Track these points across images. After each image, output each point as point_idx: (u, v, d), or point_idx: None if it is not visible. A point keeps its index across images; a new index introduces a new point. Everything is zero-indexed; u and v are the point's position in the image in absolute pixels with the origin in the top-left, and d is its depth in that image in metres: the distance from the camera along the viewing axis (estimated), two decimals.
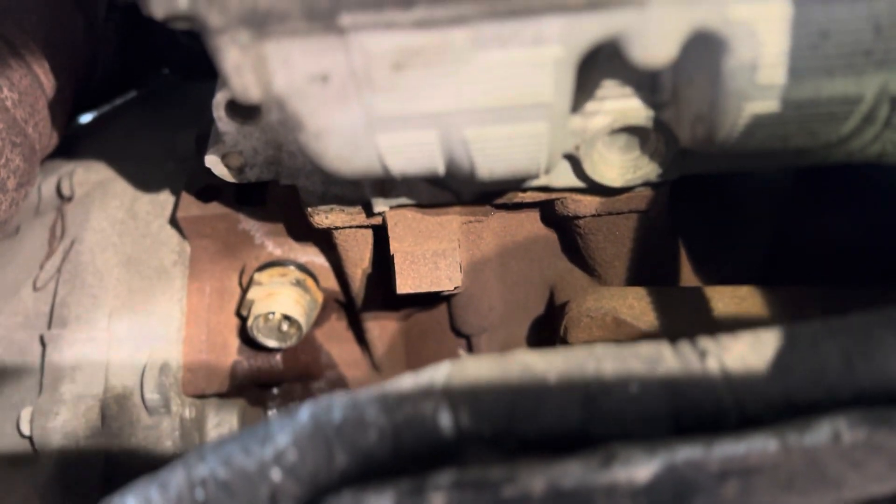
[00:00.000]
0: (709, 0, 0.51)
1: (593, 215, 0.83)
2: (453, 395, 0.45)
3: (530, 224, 0.92)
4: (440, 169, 0.64)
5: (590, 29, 0.52)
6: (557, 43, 0.53)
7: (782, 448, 0.37)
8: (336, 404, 0.48)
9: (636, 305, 0.83)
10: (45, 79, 0.97)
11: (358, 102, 0.56)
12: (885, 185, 0.89)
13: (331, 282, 1.02)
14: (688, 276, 0.94)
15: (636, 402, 0.41)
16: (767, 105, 0.58)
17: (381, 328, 1.06)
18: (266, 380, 1.04)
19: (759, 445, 0.37)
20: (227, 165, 0.81)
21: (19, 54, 0.92)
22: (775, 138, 0.63)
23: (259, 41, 0.52)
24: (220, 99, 0.74)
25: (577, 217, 0.84)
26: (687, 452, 0.38)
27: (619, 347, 0.44)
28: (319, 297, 1.00)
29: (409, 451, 0.46)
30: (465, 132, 0.59)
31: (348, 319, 1.09)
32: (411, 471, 0.45)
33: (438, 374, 0.47)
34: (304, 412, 0.49)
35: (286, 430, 0.48)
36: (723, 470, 0.38)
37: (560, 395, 0.43)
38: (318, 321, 1.07)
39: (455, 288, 0.86)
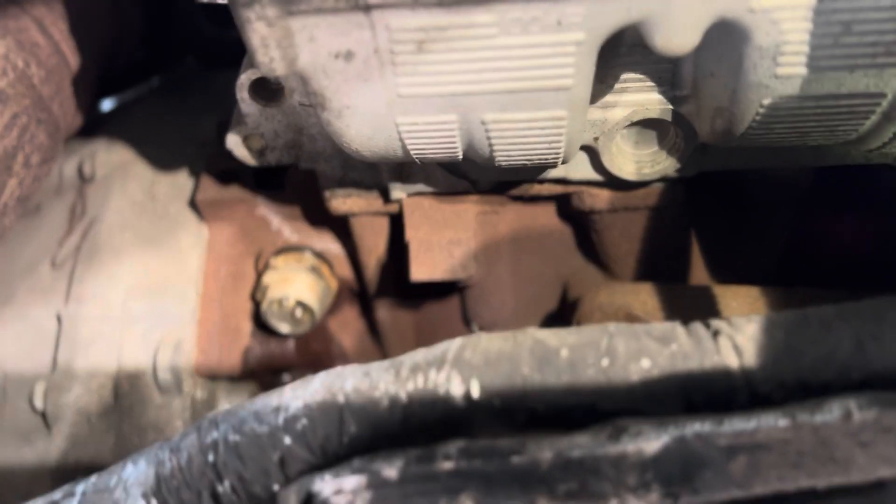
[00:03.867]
0: None
1: (609, 210, 0.84)
2: (465, 367, 0.46)
3: (545, 218, 0.92)
4: (459, 152, 0.65)
5: (613, 14, 0.53)
6: (580, 27, 0.53)
7: (792, 426, 0.37)
8: (348, 374, 0.48)
9: (649, 301, 0.83)
10: (72, 59, 0.98)
11: (380, 81, 0.57)
12: None
13: (345, 270, 1.02)
14: (701, 274, 0.94)
15: (647, 378, 0.42)
16: (787, 98, 0.58)
17: (394, 319, 1.06)
18: (277, 365, 1.04)
19: (769, 422, 0.38)
20: (247, 147, 0.81)
21: (48, 33, 0.93)
22: (794, 133, 0.63)
23: (286, 17, 0.53)
24: (244, 79, 0.75)
25: (593, 211, 0.84)
26: (696, 427, 0.38)
27: (631, 326, 0.44)
28: (334, 284, 1.01)
29: (419, 421, 0.46)
30: (485, 115, 0.60)
31: (361, 309, 1.10)
32: (421, 440, 0.45)
33: (451, 346, 0.47)
34: (317, 381, 0.49)
35: (298, 397, 0.48)
36: (731, 445, 0.38)
37: (571, 369, 0.43)
38: (332, 310, 1.07)
39: (468, 278, 0.87)
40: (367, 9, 0.52)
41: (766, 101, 0.59)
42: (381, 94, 0.58)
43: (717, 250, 0.92)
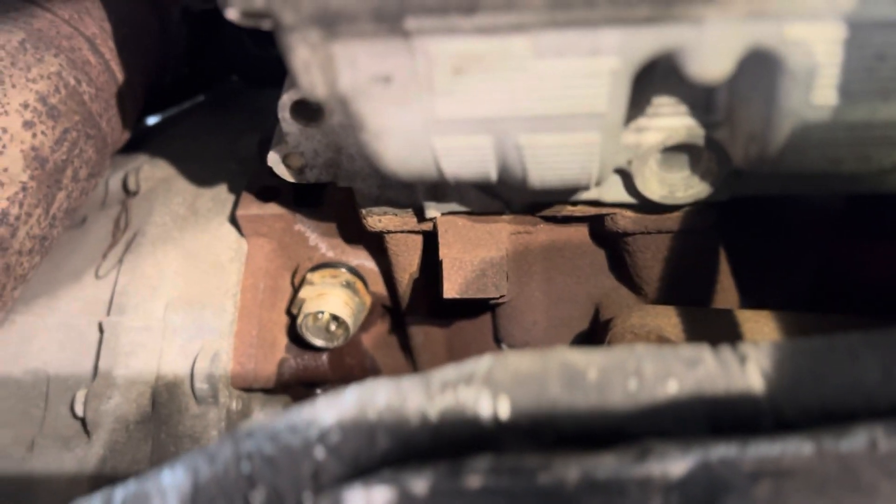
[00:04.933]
0: (766, 19, 0.52)
1: (642, 232, 0.84)
2: (494, 386, 0.47)
3: (578, 239, 0.93)
4: (493, 174, 0.66)
5: (647, 42, 0.54)
6: (615, 54, 0.54)
7: (817, 452, 0.38)
8: (380, 388, 0.50)
9: (680, 324, 0.83)
10: (120, 77, 1.01)
11: (418, 104, 0.59)
12: None
13: (379, 286, 1.04)
14: (732, 299, 0.93)
15: (674, 401, 0.42)
16: (821, 125, 0.59)
17: (426, 335, 1.07)
18: (311, 379, 1.06)
19: (794, 448, 0.38)
20: (287, 165, 0.84)
21: (99, 52, 0.97)
22: (828, 160, 0.64)
23: (328, 41, 0.55)
24: (286, 100, 0.77)
25: (626, 233, 0.85)
26: (721, 451, 0.39)
27: (659, 348, 0.45)
28: (368, 300, 1.02)
29: (448, 437, 0.47)
30: (519, 138, 0.61)
31: (393, 326, 1.11)
32: (450, 456, 0.46)
33: (480, 365, 0.48)
34: (350, 395, 0.50)
35: (332, 410, 0.50)
36: (756, 470, 0.38)
37: (599, 390, 0.44)
38: (365, 326, 1.09)
39: (500, 297, 0.88)
40: (407, 34, 0.54)
41: (800, 129, 0.60)
42: (419, 116, 0.60)
43: (749, 275, 0.92)
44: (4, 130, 0.84)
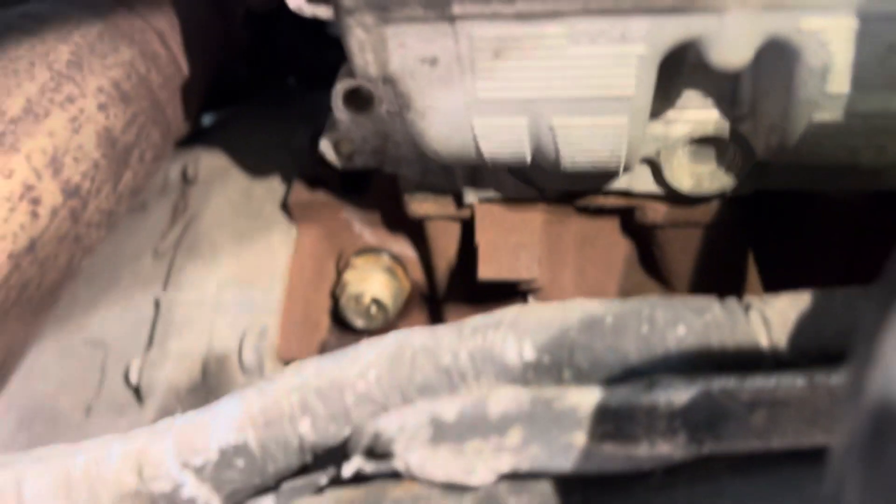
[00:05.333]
0: (782, 10, 0.57)
1: (670, 225, 0.88)
2: (519, 330, 0.51)
3: (609, 232, 0.97)
4: (527, 155, 0.71)
5: (672, 30, 0.59)
6: (642, 41, 0.59)
7: (809, 385, 0.42)
8: (417, 332, 0.55)
9: None
10: (186, 70, 1.09)
11: (461, 85, 0.64)
12: None
13: (418, 274, 1.09)
14: (759, 293, 0.96)
15: (682, 341, 0.47)
16: (836, 115, 0.63)
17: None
18: None
19: (788, 381, 0.42)
20: (338, 151, 0.90)
21: (167, 45, 1.05)
22: (845, 150, 0.67)
23: (381, 24, 0.61)
24: (339, 89, 0.83)
25: (655, 226, 0.89)
26: (722, 382, 0.43)
27: (671, 298, 0.49)
28: (407, 285, 1.08)
29: (477, 374, 0.52)
30: (552, 120, 0.66)
31: (431, 314, 1.16)
32: (477, 390, 0.51)
33: (507, 313, 0.53)
34: (390, 337, 0.56)
35: (373, 349, 0.55)
36: (753, 400, 0.42)
37: (614, 333, 0.49)
38: (403, 313, 1.14)
39: (532, 283, 0.92)
40: (452, 19, 0.60)
41: (816, 118, 0.64)
42: (461, 96, 0.65)
43: (775, 269, 0.95)
44: (81, 111, 0.91)
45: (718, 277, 0.95)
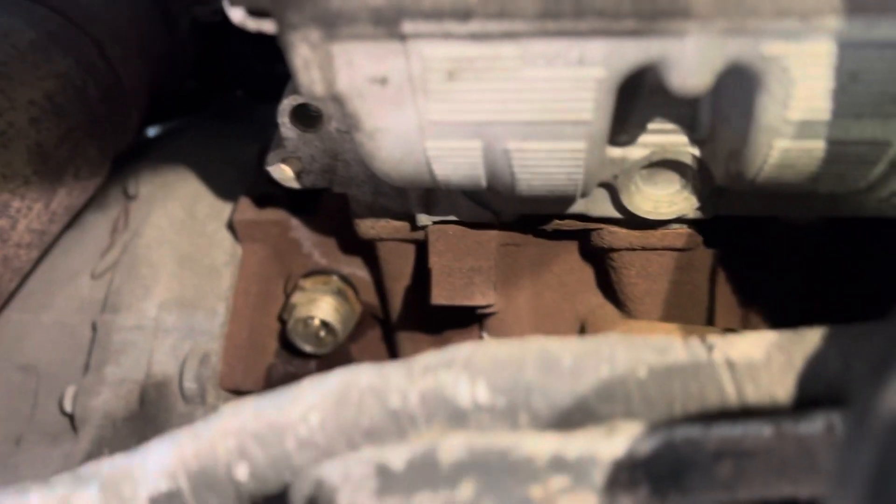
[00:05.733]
0: (745, 35, 0.55)
1: (627, 249, 0.86)
2: (472, 370, 0.48)
3: (566, 255, 0.95)
4: (482, 180, 0.68)
5: (632, 53, 0.56)
6: (600, 64, 0.57)
7: (776, 434, 0.39)
8: (364, 371, 0.51)
9: None
10: (127, 82, 1.04)
11: (412, 106, 0.61)
12: None
13: (370, 296, 1.06)
14: (722, 317, 0.95)
15: (643, 386, 0.44)
16: (796, 143, 0.61)
17: (415, 346, 1.09)
18: None
19: (755, 430, 0.40)
20: (285, 170, 0.86)
21: (106, 55, 1.00)
22: (804, 178, 0.66)
23: (328, 41, 0.58)
24: (286, 105, 0.80)
25: (612, 249, 0.87)
26: (686, 431, 0.41)
27: (632, 338, 0.47)
28: (357, 308, 1.04)
29: (427, 418, 0.49)
30: (508, 144, 0.63)
31: (383, 335, 1.13)
32: (429, 436, 0.48)
33: (461, 351, 0.50)
34: (334, 377, 0.52)
35: (316, 390, 0.51)
36: (719, 450, 0.40)
37: (573, 375, 0.46)
38: (354, 336, 1.11)
39: (488, 307, 0.90)
40: (403, 38, 0.57)
41: (777, 145, 0.62)
42: (412, 118, 0.62)
43: (737, 294, 0.94)
44: (11, 125, 0.86)
45: (676, 301, 0.93)
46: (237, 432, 0.52)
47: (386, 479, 0.45)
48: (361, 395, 0.50)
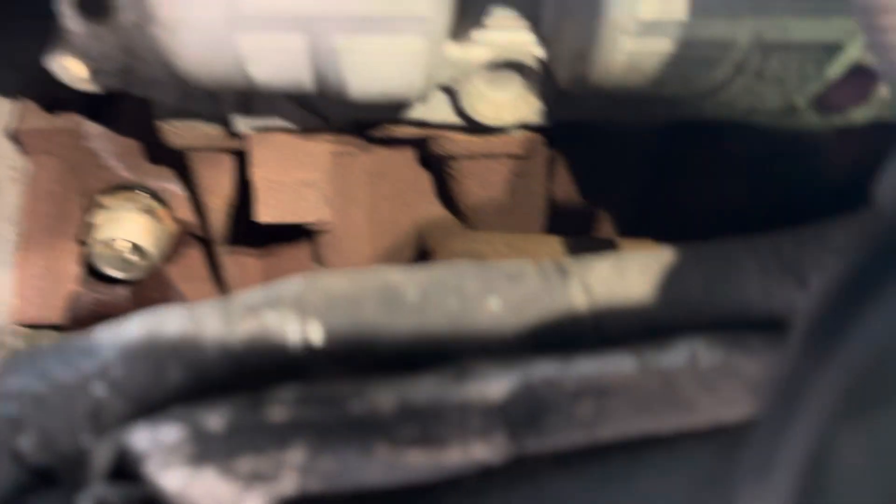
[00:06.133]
0: None
1: (467, 157, 0.82)
2: (304, 310, 0.42)
3: (404, 164, 0.89)
4: (308, 83, 0.60)
5: None
6: None
7: (639, 369, 0.36)
8: (171, 316, 0.43)
9: (504, 251, 0.82)
10: None
11: None
12: (747, 156, 0.91)
13: (187, 213, 0.95)
14: (559, 227, 0.93)
15: (496, 318, 0.40)
16: (644, 41, 0.58)
17: (240, 266, 1.00)
18: (110, 314, 0.96)
19: (616, 366, 0.36)
20: (73, 70, 0.73)
21: None
22: (650, 81, 0.63)
23: None
24: None
25: (451, 157, 0.82)
26: (543, 370, 0.37)
27: (482, 265, 0.42)
28: (172, 226, 0.93)
29: (252, 368, 0.42)
30: (335, 40, 0.55)
31: (205, 256, 1.03)
32: (253, 389, 0.41)
33: (289, 287, 0.43)
34: (135, 323, 0.44)
35: (113, 341, 0.43)
36: (578, 389, 0.36)
37: (419, 311, 0.40)
38: (172, 257, 1.00)
39: (321, 223, 0.83)
40: None
41: (625, 45, 0.58)
42: (220, 8, 0.52)
43: (575, 203, 0.92)
44: None
45: (518, 211, 0.90)
46: (19, 395, 0.43)
47: (203, 442, 0.39)
48: (169, 344, 0.42)
